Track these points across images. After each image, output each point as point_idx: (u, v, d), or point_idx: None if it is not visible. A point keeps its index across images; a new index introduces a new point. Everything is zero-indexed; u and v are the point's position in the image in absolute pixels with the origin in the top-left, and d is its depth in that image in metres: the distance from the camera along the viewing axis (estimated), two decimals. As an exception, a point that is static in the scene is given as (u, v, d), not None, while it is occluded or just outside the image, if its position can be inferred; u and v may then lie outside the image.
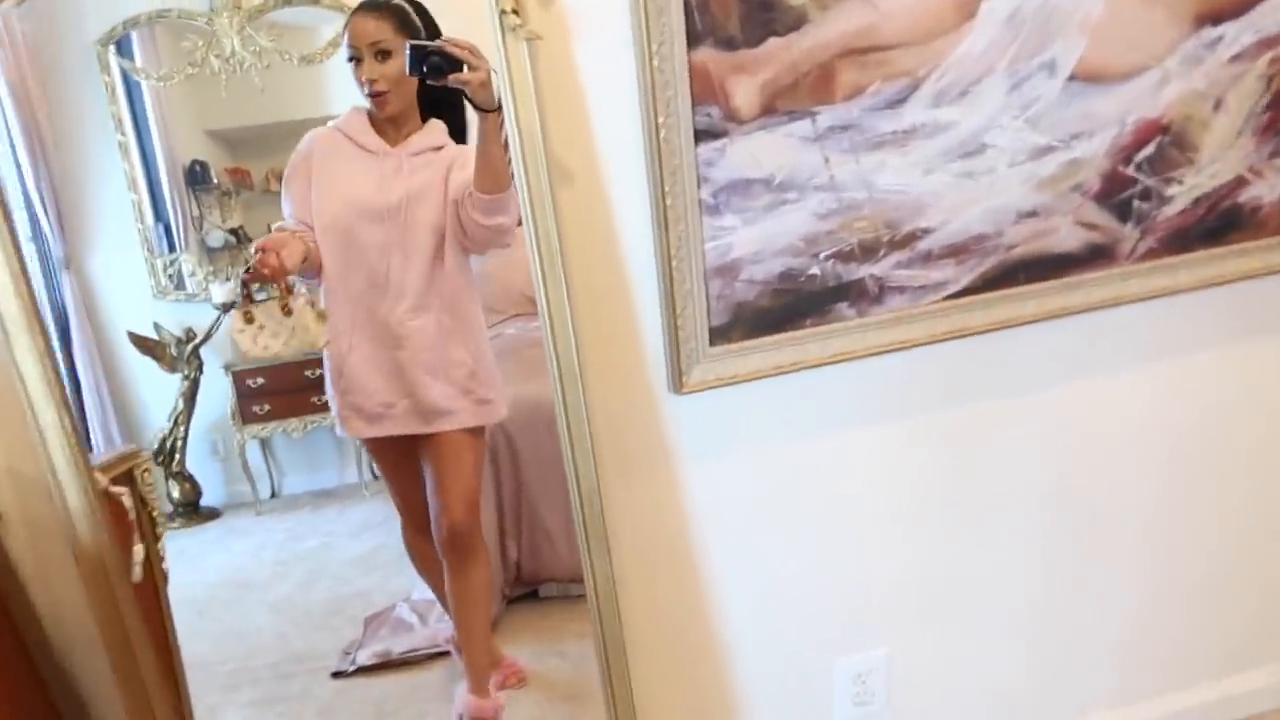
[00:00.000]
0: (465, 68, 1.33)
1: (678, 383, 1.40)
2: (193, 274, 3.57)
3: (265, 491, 3.50)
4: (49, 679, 1.32)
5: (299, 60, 2.05)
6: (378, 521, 2.13)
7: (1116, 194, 1.49)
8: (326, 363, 1.79)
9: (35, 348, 1.11)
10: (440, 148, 1.69)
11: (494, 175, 1.50)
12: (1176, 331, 1.64)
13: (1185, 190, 1.52)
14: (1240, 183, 1.54)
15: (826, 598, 1.67)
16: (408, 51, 1.33)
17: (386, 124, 1.68)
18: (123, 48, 3.26)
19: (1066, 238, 1.49)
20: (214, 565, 2.84)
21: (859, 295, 1.44)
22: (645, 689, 1.52)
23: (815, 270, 1.40)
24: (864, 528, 1.63)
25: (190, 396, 2.66)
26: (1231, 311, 1.66)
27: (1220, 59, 1.45)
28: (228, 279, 3.58)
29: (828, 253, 1.40)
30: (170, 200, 3.54)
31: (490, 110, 1.39)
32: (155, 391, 3.38)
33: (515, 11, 1.10)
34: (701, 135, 1.28)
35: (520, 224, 1.63)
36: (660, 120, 1.24)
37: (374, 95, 1.63)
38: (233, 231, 3.56)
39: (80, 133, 3.08)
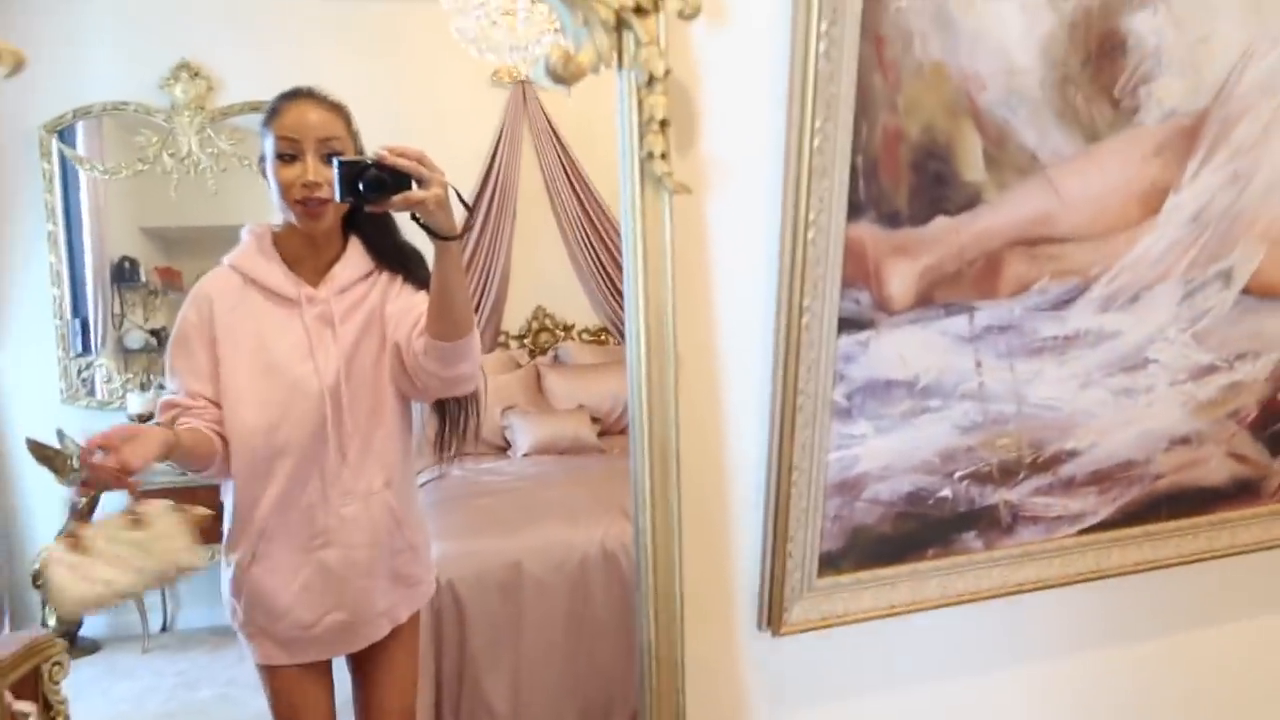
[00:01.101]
0: (414, 184, 1.07)
1: (776, 622, 1.11)
2: (108, 380, 3.20)
3: (156, 624, 3.09)
4: None
5: (256, 166, 1.88)
6: (152, 685, 1.91)
7: (1272, 424, 1.29)
8: (224, 571, 1.43)
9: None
10: (368, 274, 1.38)
11: (455, 318, 1.23)
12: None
13: (1341, 424, 1.33)
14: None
15: None
16: (337, 170, 1.07)
17: (303, 249, 1.34)
18: (65, 136, 2.99)
19: (1216, 470, 1.28)
20: (89, 713, 2.39)
21: (989, 524, 1.18)
22: None
23: (947, 492, 1.15)
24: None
25: (87, 514, 2.28)
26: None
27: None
28: (144, 388, 3.22)
29: (963, 473, 1.15)
30: (93, 295, 3.22)
31: (450, 238, 1.15)
32: (44, 503, 2.96)
33: (664, 156, 0.84)
34: (845, 324, 1.03)
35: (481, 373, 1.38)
36: (805, 303, 0.99)
37: (309, 204, 1.29)
38: (153, 333, 3.23)
39: (8, 218, 2.77)
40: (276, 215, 1.35)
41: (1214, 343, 1.21)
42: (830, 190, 0.97)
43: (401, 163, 1.08)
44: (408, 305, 1.36)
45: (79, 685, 1.99)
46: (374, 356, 1.36)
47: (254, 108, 2.19)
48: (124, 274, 3.13)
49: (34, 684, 1.14)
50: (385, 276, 1.40)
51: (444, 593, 2.15)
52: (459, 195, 1.21)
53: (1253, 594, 1.40)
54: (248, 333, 1.33)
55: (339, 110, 1.33)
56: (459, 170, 1.78)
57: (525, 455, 3.28)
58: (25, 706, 0.96)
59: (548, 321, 3.86)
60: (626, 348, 0.93)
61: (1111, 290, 1.14)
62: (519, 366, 3.69)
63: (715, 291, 1.01)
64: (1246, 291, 1.21)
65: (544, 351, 3.84)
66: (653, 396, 0.92)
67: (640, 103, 0.85)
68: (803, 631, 1.13)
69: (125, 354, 3.21)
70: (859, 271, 1.02)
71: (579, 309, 3.80)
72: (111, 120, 2.77)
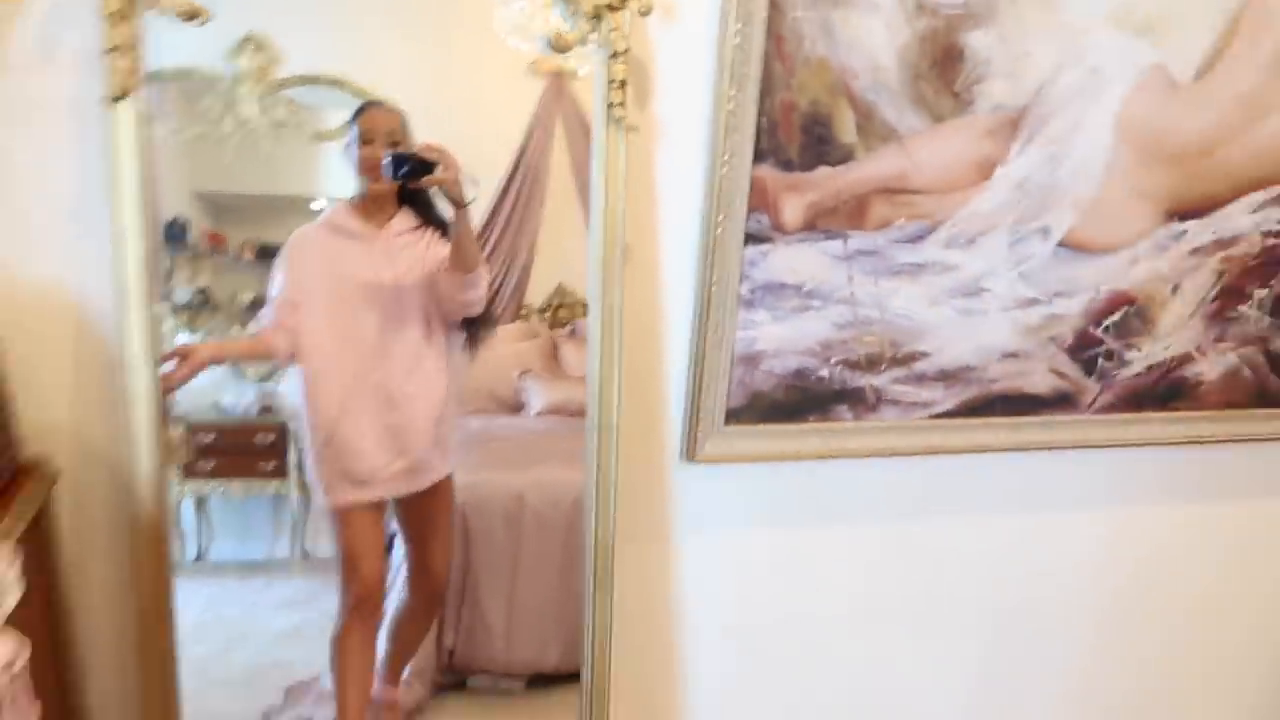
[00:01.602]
0: (439, 169, 1.53)
1: (691, 451, 1.55)
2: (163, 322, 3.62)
3: (191, 553, 3.41)
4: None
5: (312, 135, 2.15)
6: (304, 599, 2.11)
7: (1085, 350, 1.71)
8: (309, 435, 1.84)
9: (146, 311, 1.23)
10: (417, 227, 1.83)
11: (466, 257, 1.70)
12: (1125, 482, 1.85)
13: (1142, 356, 1.74)
14: (1188, 358, 1.78)
15: (783, 675, 1.79)
16: (387, 159, 1.53)
17: (372, 206, 1.81)
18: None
19: (1039, 381, 1.70)
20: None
21: (858, 401, 1.62)
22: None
23: (825, 373, 1.58)
24: (824, 616, 1.78)
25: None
26: (1174, 472, 1.87)
27: (1182, 250, 1.70)
28: (193, 331, 3.65)
29: (838, 359, 1.58)
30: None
31: (461, 205, 1.60)
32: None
33: (623, 104, 1.29)
34: (750, 238, 1.47)
35: (492, 303, 1.80)
36: (720, 218, 1.43)
37: (377, 172, 1.74)
38: (200, 290, 3.63)
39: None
40: (320, 186, 1.79)
41: (1036, 281, 1.64)
42: (741, 142, 1.41)
43: (430, 154, 1.53)
44: (441, 251, 1.83)
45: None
46: (419, 282, 1.83)
47: (309, 81, 2.21)
48: (174, 234, 3.46)
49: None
50: (429, 234, 1.86)
51: (454, 517, 2.49)
52: (471, 177, 1.65)
53: (1064, 488, 1.82)
54: (329, 259, 1.81)
55: (399, 115, 1.80)
56: (492, 153, 2.15)
57: (537, 415, 3.65)
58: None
59: (567, 299, 4.23)
60: (589, 240, 1.37)
61: (953, 233, 1.57)
62: (536, 336, 4.08)
63: (657, 207, 1.45)
64: (1062, 245, 1.63)
65: (562, 325, 4.21)
66: (607, 276, 1.37)
67: (608, 68, 1.30)
68: (712, 462, 1.57)
69: (174, 307, 3.59)
70: (761, 201, 1.46)
71: (597, 290, 4.17)
72: (177, 85, 3.07)
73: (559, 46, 1.29)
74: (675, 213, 1.46)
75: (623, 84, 1.30)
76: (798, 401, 1.59)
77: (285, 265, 1.82)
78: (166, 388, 1.48)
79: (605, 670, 1.51)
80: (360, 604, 1.88)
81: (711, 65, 1.37)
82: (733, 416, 1.56)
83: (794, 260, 1.51)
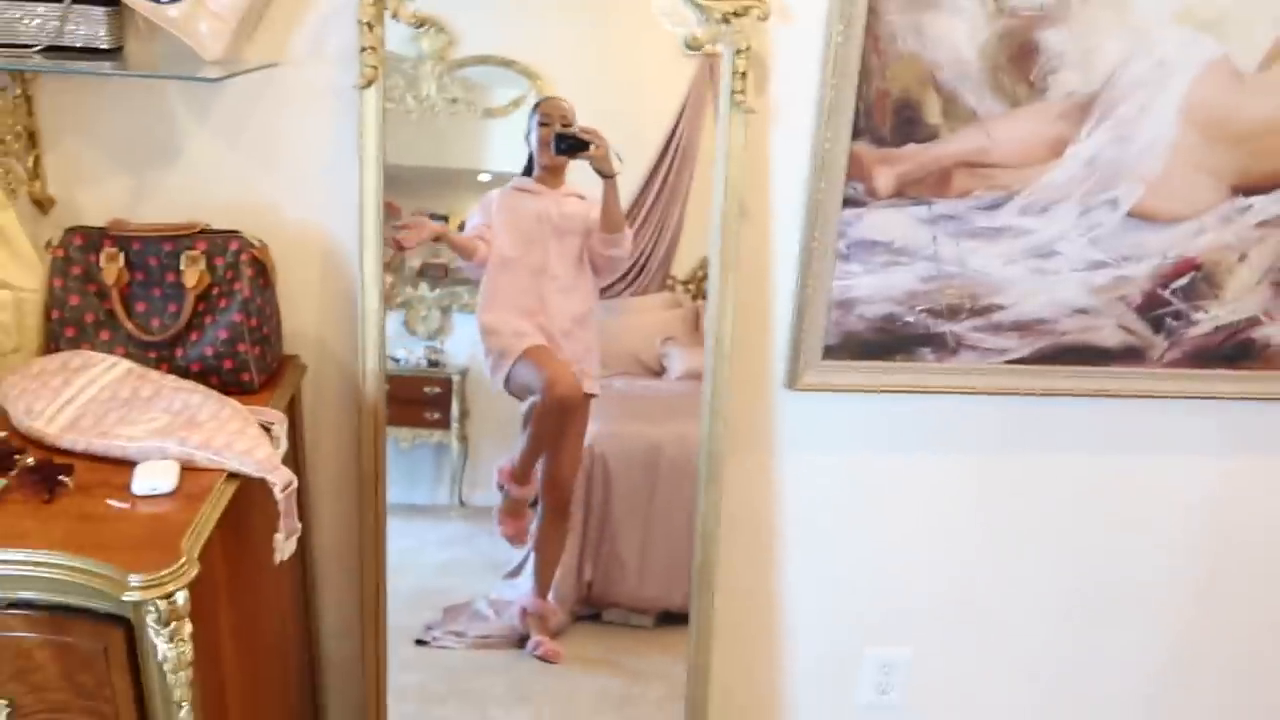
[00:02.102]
0: (592, 147, 1.91)
1: (793, 380, 1.88)
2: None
3: None
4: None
5: (482, 112, 2.28)
6: (462, 538, 2.32)
7: (1153, 309, 1.93)
8: (485, 340, 2.16)
9: (377, 246, 1.65)
10: (581, 195, 2.15)
11: (613, 220, 2.06)
12: (1189, 431, 2.05)
13: (1209, 318, 1.95)
14: (1255, 322, 1.97)
15: (871, 592, 2.10)
16: (554, 137, 1.94)
17: (547, 176, 2.14)
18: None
19: (1109, 336, 1.93)
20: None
21: (940, 346, 1.90)
22: (716, 644, 1.97)
23: (910, 319, 1.87)
24: (914, 539, 2.06)
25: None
26: (1238, 425, 2.06)
27: (1248, 223, 1.89)
28: None
29: (922, 307, 1.87)
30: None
31: (609, 176, 1.97)
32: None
33: (744, 92, 1.63)
34: (847, 202, 1.78)
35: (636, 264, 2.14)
36: (821, 185, 1.74)
37: (553, 148, 2.08)
38: None
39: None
40: (488, 160, 2.16)
41: (1105, 246, 1.87)
42: (841, 122, 1.71)
43: (587, 135, 1.93)
44: (598, 211, 2.19)
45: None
46: (578, 237, 2.21)
47: (483, 61, 2.30)
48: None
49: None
50: (590, 203, 2.24)
51: (596, 462, 2.79)
52: (617, 154, 2.00)
53: (1133, 434, 2.04)
54: (513, 207, 2.20)
55: (570, 104, 2.14)
56: (647, 129, 2.24)
57: (677, 379, 3.94)
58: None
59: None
60: (712, 201, 1.72)
61: (1028, 202, 1.82)
62: (680, 306, 4.39)
63: (770, 176, 1.78)
64: (1131, 215, 1.86)
65: (705, 297, 4.53)
66: (725, 232, 1.71)
67: (732, 62, 1.63)
68: (811, 390, 1.89)
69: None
70: (857, 171, 1.76)
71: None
72: None
73: (694, 45, 1.64)
74: (785, 180, 1.78)
75: (744, 74, 1.63)
76: (886, 343, 1.88)
77: (480, 207, 2.18)
78: (398, 247, 1.95)
79: (712, 559, 1.85)
80: (552, 388, 2.18)
81: (818, 59, 1.69)
82: (829, 353, 1.87)
83: (884, 222, 1.80)
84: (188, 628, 1.12)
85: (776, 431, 1.94)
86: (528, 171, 2.16)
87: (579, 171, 2.05)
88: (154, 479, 1.26)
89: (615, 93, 2.29)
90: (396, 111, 2.21)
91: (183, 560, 1.12)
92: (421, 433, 2.21)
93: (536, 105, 2.16)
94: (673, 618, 2.17)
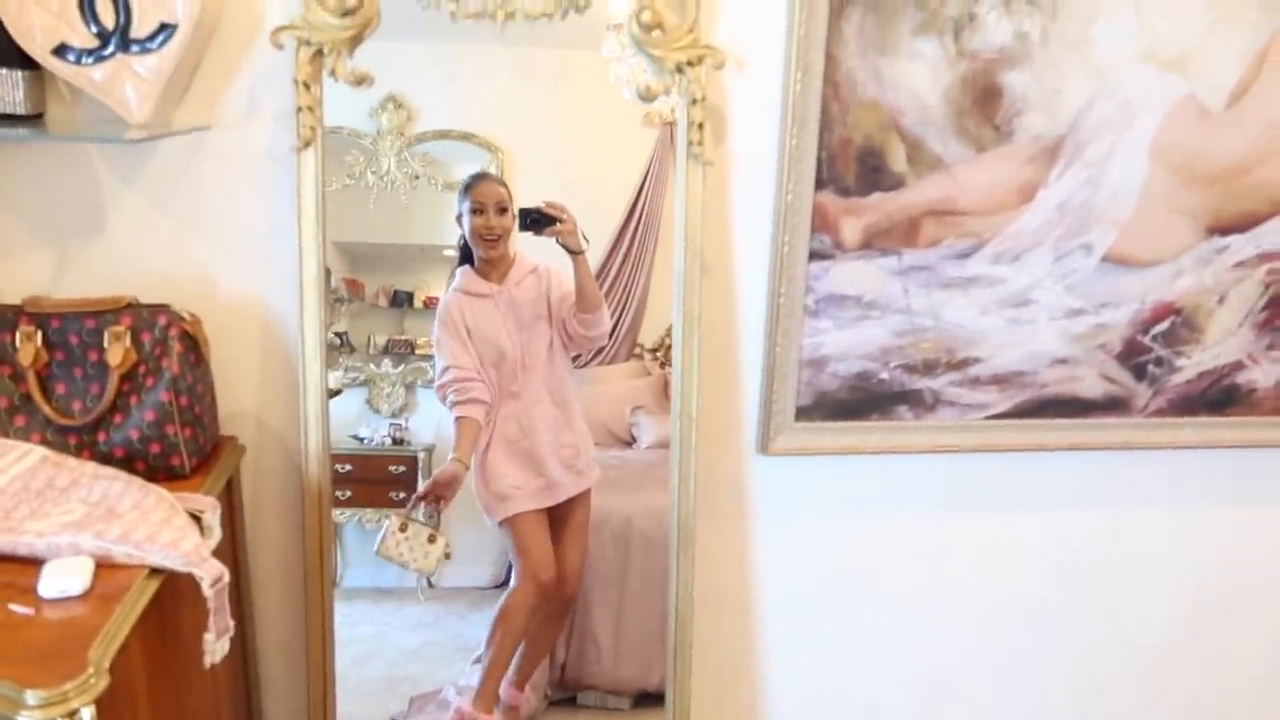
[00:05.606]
0: (559, 223, 1.84)
1: (766, 444, 1.78)
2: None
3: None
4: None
5: (444, 186, 2.26)
6: (430, 621, 2.27)
7: (1134, 357, 1.86)
8: (475, 470, 2.06)
9: (319, 316, 1.55)
10: (534, 269, 2.07)
11: (589, 299, 1.98)
12: (1179, 483, 1.97)
13: (1192, 364, 1.88)
14: (1239, 366, 1.90)
15: (855, 665, 1.98)
16: (518, 213, 1.87)
17: (488, 268, 2.05)
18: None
19: (1091, 386, 1.86)
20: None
21: (917, 402, 1.81)
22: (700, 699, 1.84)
23: (885, 376, 1.79)
24: (897, 606, 1.96)
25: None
26: (1230, 475, 1.99)
27: (1226, 264, 1.84)
28: (332, 370, 4.01)
29: (897, 363, 1.79)
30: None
31: (577, 252, 1.89)
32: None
33: (701, 143, 1.56)
34: (813, 255, 1.70)
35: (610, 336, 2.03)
36: (786, 239, 1.67)
37: (490, 239, 2.01)
38: (339, 334, 3.96)
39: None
40: (450, 235, 2.06)
41: (1081, 293, 1.81)
42: (803, 172, 1.65)
43: (552, 210, 1.84)
44: (565, 293, 2.09)
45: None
46: (544, 321, 2.10)
47: (442, 135, 2.36)
48: (317, 281, 3.85)
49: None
50: (545, 271, 2.15)
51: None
52: (582, 233, 1.92)
53: (1118, 487, 1.95)
54: (473, 325, 2.05)
55: (503, 184, 2.07)
56: (609, 200, 2.31)
57: (647, 447, 3.88)
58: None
59: (678, 339, 4.50)
60: (674, 258, 1.64)
61: (1000, 250, 1.76)
62: (649, 374, 4.33)
63: (732, 229, 1.70)
64: (1106, 259, 1.80)
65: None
66: (688, 288, 1.62)
67: (688, 113, 1.57)
68: (785, 454, 1.79)
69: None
70: (822, 223, 1.69)
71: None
72: (328, 142, 3.39)
73: (647, 97, 1.56)
74: (747, 234, 1.70)
75: (700, 125, 1.56)
76: (861, 401, 1.80)
77: (447, 338, 2.07)
78: (439, 502, 1.92)
79: (687, 634, 1.73)
80: (534, 578, 2.10)
81: (776, 108, 1.62)
82: (802, 413, 1.78)
83: (853, 275, 1.73)
84: (99, 748, 1.00)
85: (750, 498, 1.84)
86: (466, 256, 2.08)
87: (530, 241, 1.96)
88: (63, 579, 1.14)
89: (577, 163, 2.31)
90: (356, 188, 2.29)
91: (89, 672, 1.00)
92: (387, 513, 2.13)
93: (466, 187, 2.06)
94: (650, 698, 2.06)
